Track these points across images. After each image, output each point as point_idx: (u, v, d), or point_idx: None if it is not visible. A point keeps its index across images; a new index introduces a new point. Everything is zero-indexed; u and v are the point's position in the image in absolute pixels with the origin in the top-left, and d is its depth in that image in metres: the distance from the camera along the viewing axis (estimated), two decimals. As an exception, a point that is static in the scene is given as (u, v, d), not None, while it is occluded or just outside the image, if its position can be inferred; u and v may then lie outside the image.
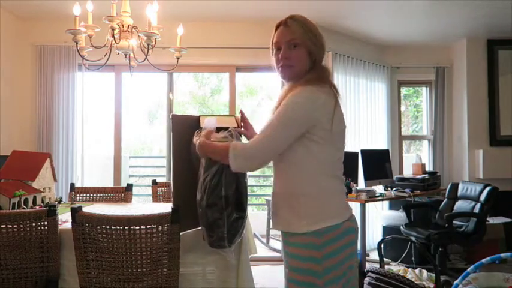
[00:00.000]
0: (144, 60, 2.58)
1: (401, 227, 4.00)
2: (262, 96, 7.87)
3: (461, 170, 5.07)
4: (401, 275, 2.72)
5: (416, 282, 2.84)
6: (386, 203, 4.93)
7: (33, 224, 1.84)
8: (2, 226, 1.81)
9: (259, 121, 1.61)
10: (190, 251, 1.90)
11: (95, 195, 3.10)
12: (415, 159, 4.79)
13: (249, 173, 1.81)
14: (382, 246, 3.09)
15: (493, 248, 3.98)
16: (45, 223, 1.85)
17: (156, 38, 2.44)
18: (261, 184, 7.45)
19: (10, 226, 1.82)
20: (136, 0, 2.74)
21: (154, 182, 3.36)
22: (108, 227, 1.77)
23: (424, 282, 3.31)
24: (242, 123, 1.84)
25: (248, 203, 1.82)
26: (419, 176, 4.33)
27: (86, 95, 4.48)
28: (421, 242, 3.54)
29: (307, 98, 1.42)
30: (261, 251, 4.67)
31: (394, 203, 4.78)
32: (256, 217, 5.65)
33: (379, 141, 5.06)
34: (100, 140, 6.12)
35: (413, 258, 4.10)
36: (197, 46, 4.08)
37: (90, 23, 2.42)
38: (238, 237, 1.79)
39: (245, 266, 1.96)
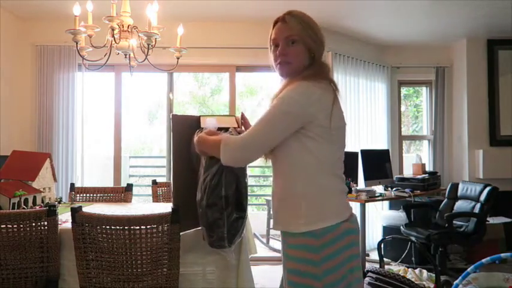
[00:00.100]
0: (144, 60, 2.58)
1: (401, 227, 4.00)
2: (262, 96, 7.87)
3: (461, 170, 5.07)
4: (401, 275, 2.72)
5: (416, 282, 2.84)
6: (386, 203, 4.93)
7: (33, 224, 1.84)
8: (2, 226, 1.81)
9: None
10: (190, 251, 1.90)
11: (95, 195, 3.10)
12: (415, 159, 4.79)
13: (249, 173, 1.81)
14: (382, 246, 3.09)
15: (493, 248, 3.98)
16: (45, 223, 1.85)
17: (156, 38, 2.44)
18: (261, 184, 7.46)
19: (10, 226, 1.82)
20: (136, 0, 2.74)
21: (154, 182, 3.36)
22: (108, 227, 1.77)
23: (424, 282, 3.31)
24: (242, 124, 1.84)
25: (248, 203, 1.82)
26: (419, 176, 4.33)
27: (86, 95, 4.48)
28: (421, 242, 3.53)
29: (302, 93, 1.38)
30: (261, 251, 4.67)
31: (394, 203, 4.78)
32: (256, 217, 5.65)
33: (379, 141, 5.06)
34: (100, 140, 6.12)
35: (413, 258, 4.10)
36: (197, 46, 4.08)
37: (90, 23, 2.42)
38: (238, 237, 1.79)
39: (245, 266, 1.96)
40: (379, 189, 4.18)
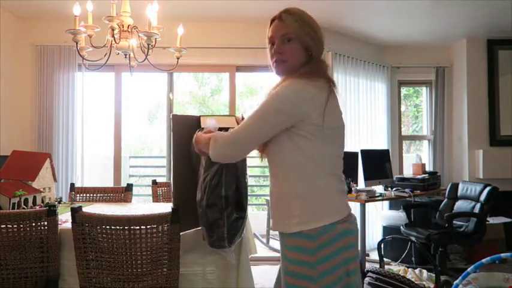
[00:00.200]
0: (144, 60, 2.57)
1: (401, 227, 3.99)
2: (262, 96, 7.86)
3: (461, 170, 5.07)
4: (401, 275, 2.72)
5: (416, 282, 2.84)
6: (386, 203, 4.93)
7: (33, 224, 1.84)
8: (2, 226, 1.81)
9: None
10: (190, 251, 1.90)
11: (95, 195, 3.10)
12: (415, 159, 4.79)
13: (249, 173, 1.81)
14: (382, 246, 3.09)
15: (493, 248, 3.98)
16: (45, 223, 1.85)
17: (156, 38, 2.44)
18: (261, 184, 7.45)
19: (10, 226, 1.82)
20: (136, 0, 2.74)
21: (154, 182, 3.36)
22: (108, 227, 1.77)
23: (424, 282, 3.31)
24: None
25: (248, 203, 1.82)
26: (419, 176, 4.33)
27: (86, 95, 4.48)
28: (421, 242, 3.53)
29: (295, 91, 1.36)
30: (261, 251, 4.67)
31: (394, 203, 4.77)
32: (256, 217, 5.65)
33: (379, 141, 5.06)
34: (100, 140, 6.12)
35: (413, 258, 4.10)
36: (197, 46, 4.08)
37: (90, 23, 2.42)
38: (238, 237, 1.80)
39: (245, 266, 1.96)
40: (379, 189, 4.18)
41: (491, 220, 4.17)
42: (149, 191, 3.77)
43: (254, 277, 2.02)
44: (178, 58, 2.74)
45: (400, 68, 5.31)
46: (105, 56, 2.52)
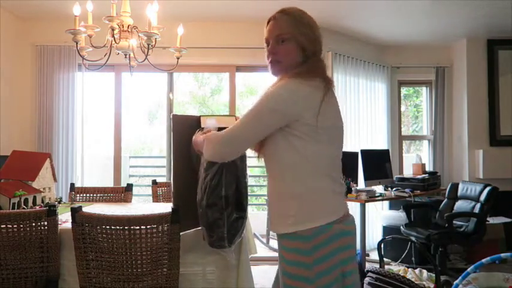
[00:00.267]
0: (144, 60, 2.58)
1: (401, 227, 3.99)
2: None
3: (461, 170, 5.07)
4: (401, 275, 2.72)
5: (416, 282, 2.84)
6: (386, 203, 4.93)
7: (33, 224, 1.84)
8: (2, 226, 1.81)
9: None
10: (190, 251, 1.90)
11: (95, 195, 3.10)
12: (415, 159, 4.79)
13: (249, 173, 1.81)
14: (382, 246, 3.09)
15: (493, 248, 3.98)
16: (45, 223, 1.85)
17: (156, 38, 2.44)
18: (261, 184, 7.44)
19: (10, 226, 1.82)
20: (136, 0, 2.74)
21: (154, 182, 3.36)
22: (108, 227, 1.77)
23: (424, 282, 3.31)
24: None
25: (248, 203, 1.82)
26: (419, 176, 4.33)
27: (86, 95, 4.48)
28: (421, 242, 3.53)
29: (289, 91, 1.35)
30: (261, 251, 4.67)
31: (394, 203, 4.77)
32: (256, 217, 5.64)
33: (379, 141, 5.06)
34: (100, 140, 6.12)
35: (413, 258, 4.10)
36: (197, 46, 4.08)
37: (90, 23, 2.42)
38: (238, 237, 1.80)
39: (245, 266, 1.95)
40: (379, 189, 4.18)
41: (491, 220, 4.17)
42: (149, 191, 3.76)
43: (254, 277, 2.02)
44: (178, 58, 2.74)
45: (400, 68, 5.31)
46: (105, 56, 2.52)
